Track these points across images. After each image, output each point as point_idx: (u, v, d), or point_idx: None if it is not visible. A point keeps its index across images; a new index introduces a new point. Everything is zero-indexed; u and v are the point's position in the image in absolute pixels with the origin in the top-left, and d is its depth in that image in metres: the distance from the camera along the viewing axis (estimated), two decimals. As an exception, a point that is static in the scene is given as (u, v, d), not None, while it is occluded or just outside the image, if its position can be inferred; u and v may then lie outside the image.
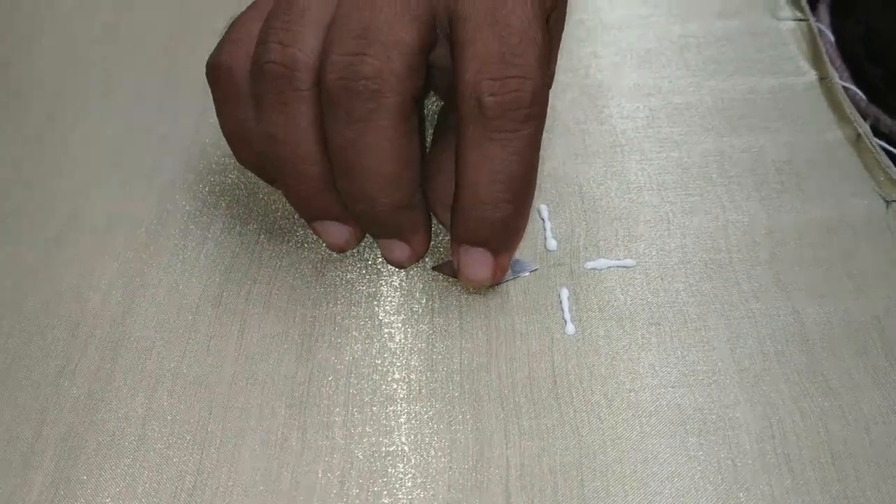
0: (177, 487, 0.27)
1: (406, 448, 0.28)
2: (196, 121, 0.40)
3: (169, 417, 0.29)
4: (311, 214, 0.31)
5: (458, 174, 0.27)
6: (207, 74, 0.30)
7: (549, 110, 0.33)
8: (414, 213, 0.30)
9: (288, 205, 0.35)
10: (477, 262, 0.29)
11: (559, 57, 0.38)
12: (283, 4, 0.28)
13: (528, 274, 0.33)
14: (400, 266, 0.32)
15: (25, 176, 0.38)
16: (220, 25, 0.41)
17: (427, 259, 0.33)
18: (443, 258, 0.33)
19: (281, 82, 0.27)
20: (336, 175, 0.28)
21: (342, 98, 0.26)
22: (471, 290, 0.32)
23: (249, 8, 0.30)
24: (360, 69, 0.26)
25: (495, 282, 0.31)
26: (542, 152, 0.36)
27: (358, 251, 0.34)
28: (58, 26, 0.46)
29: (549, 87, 0.29)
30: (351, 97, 0.26)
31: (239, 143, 0.30)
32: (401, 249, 0.31)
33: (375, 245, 0.34)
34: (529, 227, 0.34)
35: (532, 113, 0.27)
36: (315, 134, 0.28)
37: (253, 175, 0.35)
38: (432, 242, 0.33)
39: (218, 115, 0.30)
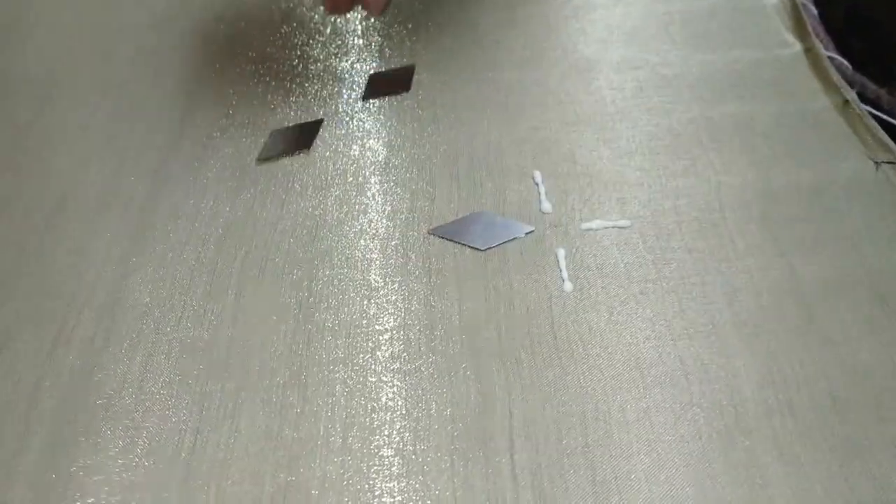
0: (177, 445, 0.27)
1: (408, 402, 0.28)
2: (185, 103, 0.40)
3: (167, 379, 0.29)
4: None
5: None
6: None
7: (539, 85, 0.34)
8: None
9: (283, 175, 0.35)
10: None
11: (548, 34, 0.39)
12: None
13: (524, 236, 0.33)
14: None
15: (17, 162, 0.38)
16: (212, 15, 0.41)
17: (423, 223, 0.33)
18: (440, 222, 0.33)
19: None
20: None
21: None
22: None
23: None
24: None
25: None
26: (534, 122, 0.36)
27: (353, 215, 0.34)
28: (48, 14, 0.46)
29: None
30: None
31: None
32: None
33: (370, 210, 0.34)
34: (524, 191, 0.34)
35: None
36: None
37: (245, 147, 0.35)
38: (427, 206, 0.33)
39: None
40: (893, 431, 0.27)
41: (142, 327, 0.30)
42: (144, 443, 0.27)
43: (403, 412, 0.28)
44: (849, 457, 0.26)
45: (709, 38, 0.42)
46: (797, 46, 0.41)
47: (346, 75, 0.41)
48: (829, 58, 0.40)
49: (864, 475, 0.26)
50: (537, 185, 0.35)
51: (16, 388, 0.29)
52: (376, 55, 0.42)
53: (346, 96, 0.40)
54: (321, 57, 0.43)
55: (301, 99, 0.40)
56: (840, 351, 0.29)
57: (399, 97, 0.39)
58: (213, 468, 0.27)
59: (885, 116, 0.38)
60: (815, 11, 0.44)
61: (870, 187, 0.34)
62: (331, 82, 0.41)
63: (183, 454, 0.27)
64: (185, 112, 0.40)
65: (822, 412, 0.27)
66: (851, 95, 0.38)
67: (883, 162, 0.35)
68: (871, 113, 0.37)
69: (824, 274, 0.31)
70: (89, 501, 0.26)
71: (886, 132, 0.36)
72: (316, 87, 0.41)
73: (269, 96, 0.40)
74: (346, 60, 0.42)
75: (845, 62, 0.41)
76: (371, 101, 0.39)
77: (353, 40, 0.44)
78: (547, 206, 0.34)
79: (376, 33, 0.44)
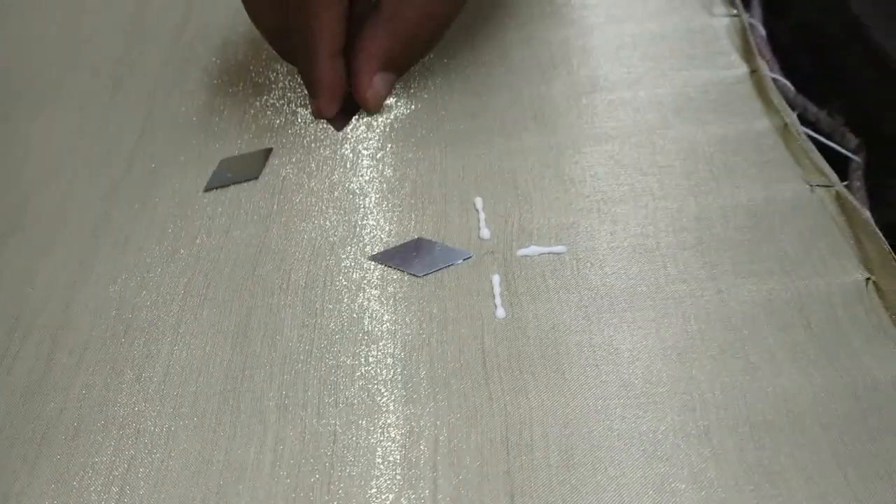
0: (110, 472, 0.28)
1: (338, 429, 0.29)
2: (140, 126, 0.41)
3: (104, 404, 0.30)
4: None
5: None
6: None
7: (484, 110, 0.34)
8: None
9: (228, 204, 0.36)
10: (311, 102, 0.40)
11: (498, 60, 0.39)
12: None
13: (461, 262, 0.33)
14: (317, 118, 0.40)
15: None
16: (174, 21, 0.42)
17: (365, 249, 0.34)
18: (381, 248, 0.34)
19: None
20: None
21: None
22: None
23: None
24: None
25: (323, 118, 0.40)
26: (476, 150, 0.37)
27: (296, 243, 0.35)
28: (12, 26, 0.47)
29: None
30: None
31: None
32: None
33: (312, 237, 0.35)
34: (463, 218, 0.35)
35: None
36: None
37: (194, 175, 0.36)
38: (367, 233, 0.34)
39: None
40: (805, 456, 0.27)
41: (83, 353, 0.31)
42: (78, 470, 0.28)
43: (332, 438, 0.28)
44: (761, 482, 0.27)
45: (659, 60, 0.43)
46: (743, 68, 0.42)
47: (299, 105, 0.42)
48: (773, 79, 0.41)
49: (774, 499, 0.26)
50: (477, 211, 0.36)
51: None
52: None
53: (297, 126, 0.41)
54: (276, 86, 0.43)
55: (253, 126, 0.41)
56: (761, 376, 0.29)
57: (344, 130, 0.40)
58: (144, 495, 0.27)
59: (822, 139, 0.39)
60: (763, 32, 0.45)
61: (804, 210, 0.35)
62: (284, 111, 0.42)
63: (117, 481, 0.28)
64: (141, 133, 0.41)
65: (738, 437, 0.28)
66: (791, 118, 0.39)
67: (817, 185, 0.36)
68: (809, 136, 0.38)
69: (753, 298, 0.32)
70: (23, 528, 0.27)
71: (824, 155, 0.37)
72: (269, 116, 0.41)
73: (223, 124, 0.41)
74: (300, 89, 0.43)
75: (788, 84, 0.42)
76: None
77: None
78: (486, 232, 0.35)
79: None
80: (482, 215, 0.35)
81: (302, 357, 0.31)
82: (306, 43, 0.36)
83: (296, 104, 0.42)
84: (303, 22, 0.35)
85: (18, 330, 0.32)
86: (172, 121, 0.41)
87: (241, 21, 0.48)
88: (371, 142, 0.39)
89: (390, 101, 0.41)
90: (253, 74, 0.44)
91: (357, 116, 0.41)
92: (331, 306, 0.32)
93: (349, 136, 0.40)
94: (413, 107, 0.41)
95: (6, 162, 0.39)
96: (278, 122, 0.41)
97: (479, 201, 0.36)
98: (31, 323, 0.32)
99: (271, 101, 0.42)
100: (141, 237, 0.35)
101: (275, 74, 0.44)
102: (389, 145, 0.39)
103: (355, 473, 0.28)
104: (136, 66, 0.45)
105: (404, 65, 0.39)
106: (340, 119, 0.40)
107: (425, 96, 0.42)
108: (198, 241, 0.35)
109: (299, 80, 0.42)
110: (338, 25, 0.36)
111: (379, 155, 0.38)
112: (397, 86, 0.42)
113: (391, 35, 0.37)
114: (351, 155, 0.39)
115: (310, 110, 0.40)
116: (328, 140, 0.40)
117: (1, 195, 0.38)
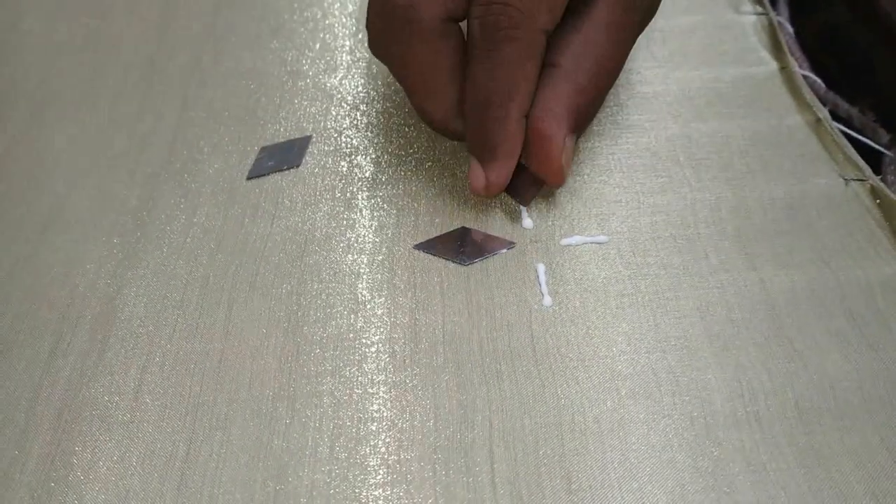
0: (170, 455, 0.28)
1: (392, 414, 0.29)
2: (176, 118, 0.41)
3: (160, 391, 0.30)
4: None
5: None
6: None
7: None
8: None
9: (272, 190, 0.36)
10: (472, 172, 0.34)
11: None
12: None
13: (505, 251, 0.34)
14: (477, 193, 0.34)
15: (9, 173, 0.39)
16: (198, 28, 0.42)
17: (408, 239, 0.35)
18: (425, 237, 0.35)
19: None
20: None
21: None
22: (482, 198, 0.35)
23: None
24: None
25: (490, 194, 0.34)
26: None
27: (341, 231, 0.35)
28: (40, 31, 0.47)
29: (545, 22, 0.31)
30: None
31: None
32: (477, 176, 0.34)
33: (357, 225, 0.35)
34: (506, 208, 0.35)
35: (509, 35, 0.30)
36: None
37: (235, 163, 0.36)
38: (412, 221, 0.35)
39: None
40: (855, 441, 0.28)
41: (136, 340, 0.32)
42: (139, 452, 0.28)
43: (388, 423, 0.29)
44: (812, 465, 0.27)
45: (688, 56, 0.44)
46: (773, 65, 0.43)
47: (335, 91, 0.42)
48: (804, 76, 0.42)
49: (826, 482, 0.27)
50: (519, 201, 0.36)
51: (13, 398, 0.30)
52: (364, 71, 0.43)
53: (334, 113, 0.41)
54: (310, 73, 0.44)
55: (290, 115, 0.41)
56: (807, 363, 0.30)
57: (385, 115, 0.40)
58: (205, 477, 0.28)
59: (855, 134, 0.39)
60: (791, 30, 0.46)
61: (840, 203, 0.36)
62: (319, 98, 0.42)
63: (177, 463, 0.28)
64: (177, 126, 0.41)
65: (787, 423, 0.28)
66: (824, 114, 0.39)
67: (852, 179, 0.36)
68: (842, 131, 0.39)
69: (794, 288, 0.33)
70: (86, 509, 0.27)
71: (857, 150, 0.38)
72: (305, 104, 0.42)
73: (259, 112, 0.41)
74: (335, 77, 0.43)
75: (819, 80, 0.42)
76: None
77: (342, 56, 0.45)
78: (528, 222, 0.35)
79: (365, 50, 0.45)
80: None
81: (352, 343, 0.31)
82: (493, 100, 0.32)
83: (333, 92, 0.42)
84: (496, 75, 0.31)
85: (71, 318, 0.32)
86: (208, 111, 0.42)
87: (270, 13, 0.48)
88: (410, 130, 0.39)
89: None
90: (288, 62, 0.44)
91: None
92: (377, 294, 0.33)
93: (388, 122, 0.40)
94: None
95: (45, 158, 0.40)
96: (314, 109, 0.41)
97: (520, 191, 0.36)
98: (83, 310, 0.33)
99: (306, 87, 0.43)
100: (186, 226, 0.36)
101: (308, 62, 0.44)
102: (429, 134, 0.39)
103: (412, 457, 0.28)
104: (167, 61, 0.45)
105: (587, 123, 0.35)
106: (525, 191, 0.35)
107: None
108: (244, 229, 0.35)
109: (439, 145, 0.39)
110: (534, 82, 0.32)
111: (416, 145, 0.39)
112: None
113: (576, 91, 0.33)
114: (389, 145, 0.39)
115: (467, 179, 0.35)
116: (367, 129, 0.40)
117: (40, 189, 0.38)
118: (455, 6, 0.32)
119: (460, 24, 0.33)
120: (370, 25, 0.34)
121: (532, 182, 0.35)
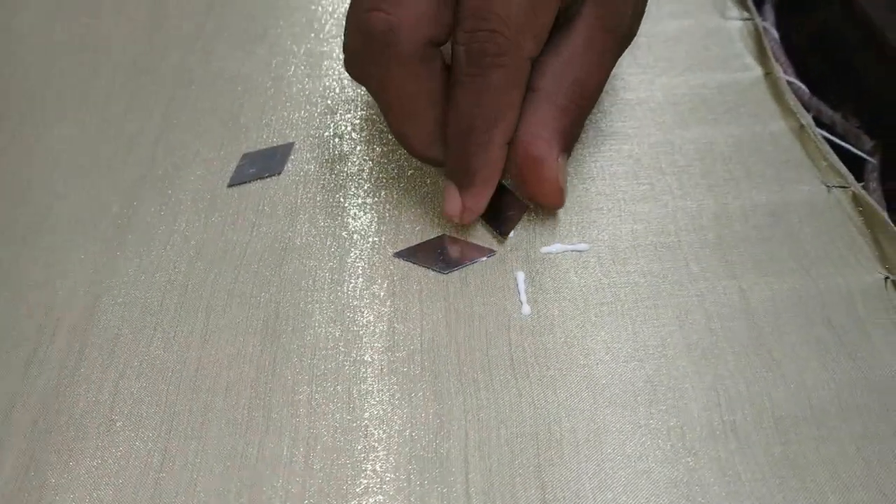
0: (145, 464, 0.28)
1: (369, 423, 0.29)
2: (161, 121, 0.41)
3: (136, 399, 0.30)
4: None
5: None
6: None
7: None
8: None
9: (254, 198, 0.36)
10: (448, 198, 0.33)
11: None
12: None
13: (485, 259, 0.34)
14: (451, 219, 0.34)
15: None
16: (186, 31, 0.42)
17: (388, 247, 0.35)
18: (405, 245, 0.34)
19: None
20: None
21: None
22: (456, 223, 0.35)
23: None
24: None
25: (465, 221, 0.34)
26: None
27: (321, 238, 0.35)
28: (31, 34, 0.47)
29: (530, 49, 0.31)
30: None
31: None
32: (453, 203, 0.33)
33: (338, 233, 0.35)
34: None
35: (495, 62, 0.30)
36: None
37: (217, 170, 0.36)
38: (392, 229, 0.35)
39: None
40: (831, 451, 0.28)
41: (113, 348, 0.32)
42: (114, 461, 0.28)
43: (364, 433, 0.29)
44: (787, 476, 0.27)
45: (674, 62, 0.44)
46: (758, 70, 0.43)
47: (319, 98, 0.42)
48: (788, 82, 0.42)
49: (801, 493, 0.27)
50: (500, 208, 0.36)
51: None
52: (349, 79, 0.43)
53: (318, 120, 0.41)
54: (294, 79, 0.44)
55: (274, 121, 0.41)
56: (785, 372, 0.30)
57: (368, 122, 0.40)
58: (179, 487, 0.28)
59: (838, 141, 0.39)
60: (776, 35, 0.46)
61: (822, 211, 0.36)
62: (304, 105, 0.42)
63: (151, 473, 0.28)
64: (161, 131, 0.41)
65: (764, 432, 0.28)
66: (807, 120, 0.39)
67: (834, 186, 0.36)
68: (825, 137, 0.39)
69: (774, 296, 0.32)
70: (60, 519, 0.27)
71: (839, 156, 0.37)
72: (289, 110, 0.42)
73: (243, 118, 0.41)
74: (320, 84, 0.43)
75: (803, 87, 0.42)
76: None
77: (327, 63, 0.45)
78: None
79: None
80: (505, 213, 0.36)
81: (330, 352, 0.31)
82: (478, 126, 0.31)
83: (317, 99, 0.42)
84: (481, 101, 0.31)
85: (48, 325, 0.32)
86: (192, 117, 0.42)
87: (259, 17, 0.48)
88: (392, 139, 0.39)
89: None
90: (273, 68, 0.44)
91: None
92: (356, 302, 0.33)
93: (371, 128, 0.40)
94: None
95: (29, 165, 0.39)
96: (297, 115, 0.41)
97: (500, 199, 0.36)
98: (61, 318, 0.32)
99: (291, 94, 0.43)
100: (167, 233, 0.35)
101: (293, 68, 0.44)
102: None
103: (388, 467, 0.28)
104: (155, 66, 0.45)
105: (574, 142, 0.34)
106: (505, 220, 0.35)
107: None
108: (224, 236, 0.35)
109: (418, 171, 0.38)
110: (518, 109, 0.32)
111: (399, 152, 0.39)
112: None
113: (560, 112, 0.33)
114: (371, 152, 0.39)
115: (445, 211, 0.34)
116: (349, 136, 0.40)
117: (24, 197, 0.38)
118: (438, 32, 0.31)
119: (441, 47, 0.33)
120: (347, 45, 0.33)
121: (512, 210, 0.35)
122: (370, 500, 0.27)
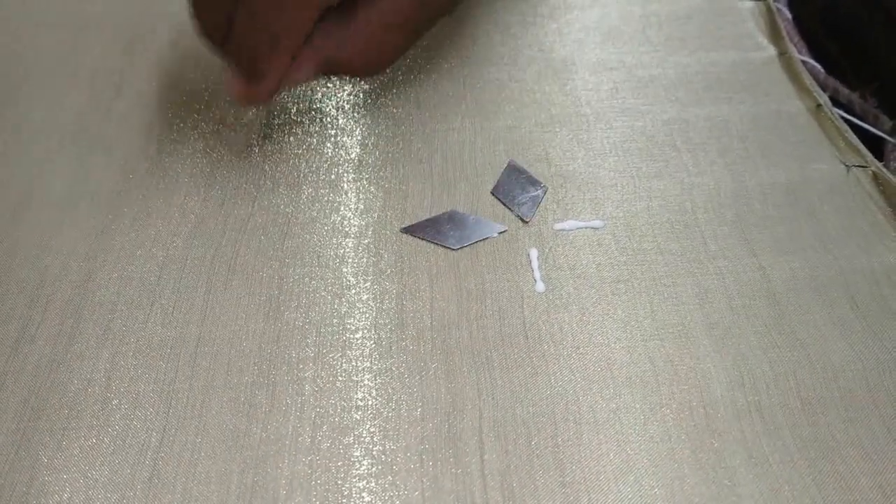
0: (142, 445, 0.27)
1: (377, 402, 0.28)
2: (155, 97, 0.39)
3: (133, 377, 0.28)
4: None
5: None
6: None
7: (515, 83, 0.34)
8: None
9: (254, 172, 0.35)
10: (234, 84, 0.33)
11: (524, 33, 0.39)
12: None
13: (496, 235, 0.33)
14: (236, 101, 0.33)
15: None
16: (176, 8, 0.41)
17: (395, 222, 0.33)
18: (413, 220, 0.33)
19: None
20: None
21: None
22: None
23: None
24: None
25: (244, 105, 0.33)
26: (509, 122, 0.36)
27: (325, 213, 0.33)
28: (17, 10, 0.45)
29: None
30: None
31: None
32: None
33: (342, 207, 0.34)
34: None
35: None
36: None
37: (216, 144, 0.35)
38: (402, 203, 0.33)
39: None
40: (860, 432, 0.27)
41: (108, 325, 0.30)
42: (109, 441, 0.27)
43: (373, 412, 0.28)
44: (817, 457, 0.26)
45: (685, 40, 0.43)
46: (771, 50, 0.42)
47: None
48: (803, 62, 0.41)
49: (831, 475, 0.26)
50: (511, 184, 0.35)
51: None
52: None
53: (319, 93, 0.39)
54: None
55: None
56: (809, 352, 0.29)
57: (372, 95, 0.39)
58: (178, 468, 0.26)
59: (856, 120, 0.38)
60: (789, 15, 0.45)
61: (841, 189, 0.35)
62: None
63: (149, 453, 0.27)
64: (156, 106, 0.39)
65: (790, 413, 0.27)
66: (824, 99, 0.38)
67: (853, 165, 0.35)
68: (842, 117, 0.38)
69: (795, 275, 0.31)
70: (54, 499, 0.26)
71: (857, 136, 0.36)
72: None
73: (243, 93, 0.40)
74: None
75: (818, 66, 0.41)
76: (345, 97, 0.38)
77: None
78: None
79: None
80: (516, 189, 0.34)
81: (336, 329, 0.30)
82: (267, 37, 0.31)
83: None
84: (273, 18, 0.31)
85: (40, 300, 0.31)
86: (188, 90, 0.40)
87: None
88: (398, 109, 0.38)
89: (414, 73, 0.40)
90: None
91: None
92: (362, 278, 0.31)
93: (374, 102, 0.39)
94: (435, 75, 0.40)
95: (19, 138, 0.38)
96: (298, 89, 0.40)
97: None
98: (53, 294, 0.31)
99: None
100: (163, 207, 0.34)
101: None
102: (417, 115, 0.38)
103: (398, 448, 0.27)
104: (148, 36, 0.43)
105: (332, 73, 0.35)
106: (526, 203, 0.34)
107: (445, 66, 0.41)
108: (223, 210, 0.34)
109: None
110: (312, 23, 0.32)
111: (404, 126, 0.37)
112: (420, 53, 0.41)
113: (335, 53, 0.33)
114: (376, 126, 0.38)
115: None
116: (353, 110, 0.39)
117: (12, 169, 0.36)
118: None
119: None
120: None
121: (535, 191, 0.35)
122: (380, 481, 0.26)
